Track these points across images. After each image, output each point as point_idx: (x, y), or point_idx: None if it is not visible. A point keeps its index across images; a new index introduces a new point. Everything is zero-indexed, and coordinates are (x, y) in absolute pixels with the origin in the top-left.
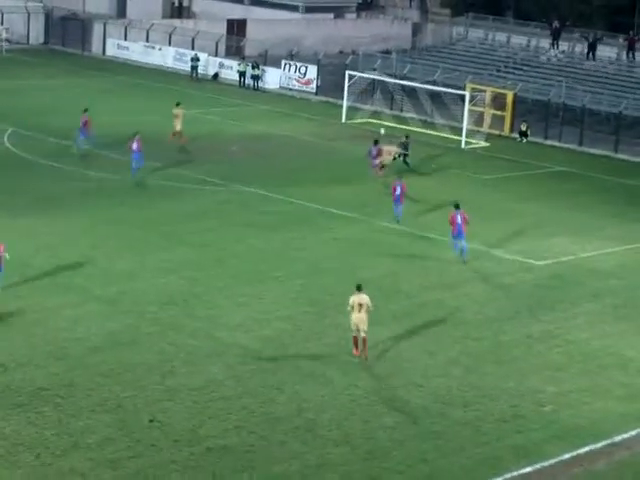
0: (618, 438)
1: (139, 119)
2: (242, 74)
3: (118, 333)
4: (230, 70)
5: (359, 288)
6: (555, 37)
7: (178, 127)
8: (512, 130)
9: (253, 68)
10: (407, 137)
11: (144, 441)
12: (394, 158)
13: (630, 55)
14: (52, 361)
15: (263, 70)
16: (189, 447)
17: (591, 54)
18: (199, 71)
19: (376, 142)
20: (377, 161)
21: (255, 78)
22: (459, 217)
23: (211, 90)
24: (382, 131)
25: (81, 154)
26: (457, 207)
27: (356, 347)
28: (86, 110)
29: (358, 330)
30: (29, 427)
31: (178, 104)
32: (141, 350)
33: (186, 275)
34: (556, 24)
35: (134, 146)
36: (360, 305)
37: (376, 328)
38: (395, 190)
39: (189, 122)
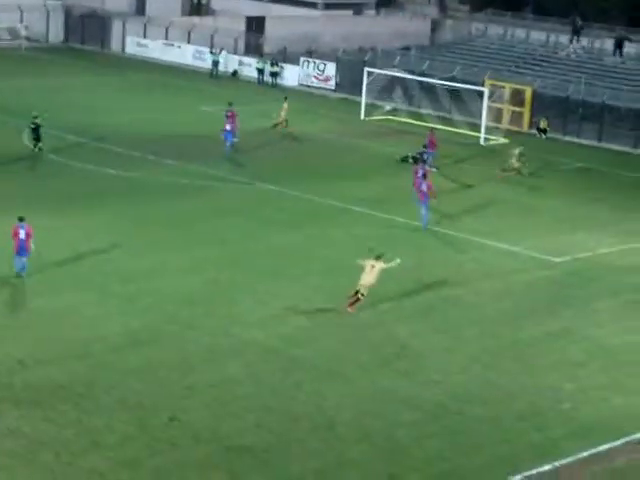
0: (638, 435)
1: (159, 117)
2: (261, 71)
3: (138, 331)
4: (249, 67)
5: (378, 257)
6: (576, 32)
7: (282, 115)
8: (531, 126)
9: (272, 65)
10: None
11: (164, 440)
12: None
13: None
14: (72, 359)
15: (282, 67)
16: (208, 446)
17: (618, 51)
18: (219, 68)
19: (432, 129)
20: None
21: (274, 75)
22: (424, 186)
23: (230, 87)
24: (387, 107)
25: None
26: (424, 177)
27: (352, 304)
28: (231, 104)
29: (364, 288)
30: (48, 426)
31: (286, 98)
32: (161, 348)
33: (205, 273)
34: (578, 20)
35: (227, 126)
36: (373, 267)
37: (394, 325)
38: (417, 173)
39: (212, 120)
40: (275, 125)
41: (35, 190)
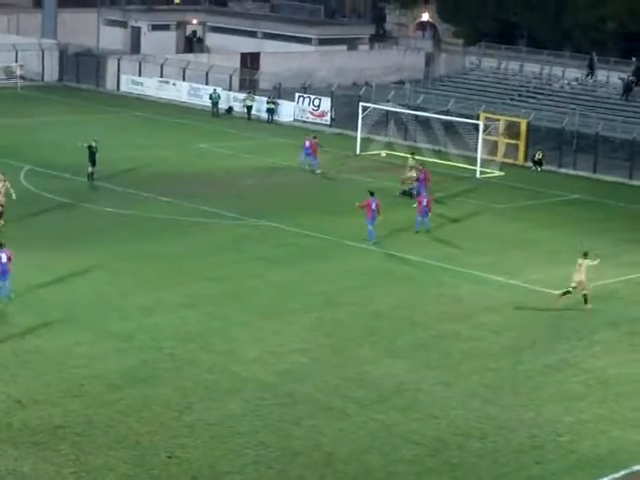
0: (637, 467)
1: (155, 154)
2: (249, 108)
3: (135, 369)
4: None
5: (585, 255)
6: (592, 68)
7: (412, 173)
8: (526, 159)
9: (268, 103)
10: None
11: (162, 478)
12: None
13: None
14: (69, 398)
15: (278, 103)
16: None
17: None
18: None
19: (414, 157)
20: None
21: (270, 111)
22: (374, 204)
23: (225, 124)
24: (383, 154)
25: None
26: (372, 194)
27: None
28: (315, 137)
29: (580, 288)
30: (47, 466)
31: (413, 154)
32: (158, 386)
33: (203, 310)
34: (594, 56)
35: (306, 144)
36: (580, 266)
37: (392, 360)
38: (421, 203)
39: (208, 157)
40: (403, 184)
41: (32, 229)
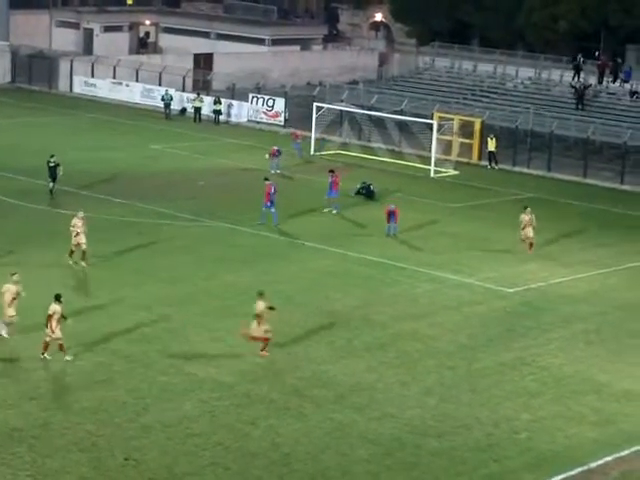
0: (593, 464)
1: (108, 156)
2: (197, 110)
3: (91, 371)
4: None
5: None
6: (577, 70)
7: (530, 234)
8: (481, 157)
9: (215, 103)
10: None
11: None
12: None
13: (600, 80)
14: (25, 401)
15: (231, 104)
16: None
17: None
18: (171, 108)
19: (331, 171)
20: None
21: (217, 113)
22: (272, 188)
23: (178, 125)
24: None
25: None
26: (266, 179)
27: None
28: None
29: None
30: (3, 469)
31: (526, 207)
32: (114, 388)
33: (158, 311)
34: (580, 58)
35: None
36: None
37: (349, 360)
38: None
39: (160, 158)
40: (530, 244)
41: None
